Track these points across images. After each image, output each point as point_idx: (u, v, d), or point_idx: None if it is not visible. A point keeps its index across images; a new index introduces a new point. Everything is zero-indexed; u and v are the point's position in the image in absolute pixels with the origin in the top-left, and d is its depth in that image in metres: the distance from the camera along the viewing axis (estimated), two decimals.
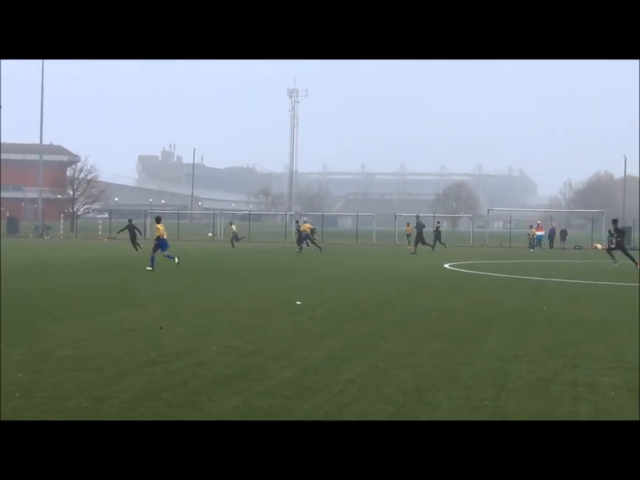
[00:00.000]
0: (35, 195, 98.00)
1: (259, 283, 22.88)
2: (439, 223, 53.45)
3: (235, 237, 54.48)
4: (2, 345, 10.81)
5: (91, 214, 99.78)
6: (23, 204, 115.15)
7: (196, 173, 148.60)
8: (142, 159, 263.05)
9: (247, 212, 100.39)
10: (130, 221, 41.88)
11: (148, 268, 26.15)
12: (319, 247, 44.17)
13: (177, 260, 27.28)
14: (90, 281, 22.49)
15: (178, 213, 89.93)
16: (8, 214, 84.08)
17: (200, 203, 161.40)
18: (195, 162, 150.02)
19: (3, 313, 14.15)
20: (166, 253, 27.45)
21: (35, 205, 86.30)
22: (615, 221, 33.30)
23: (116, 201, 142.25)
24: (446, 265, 32.32)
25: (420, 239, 45.98)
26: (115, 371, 9.22)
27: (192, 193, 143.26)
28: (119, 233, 45.90)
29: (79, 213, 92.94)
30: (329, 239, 65.83)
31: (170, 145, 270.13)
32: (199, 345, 11.13)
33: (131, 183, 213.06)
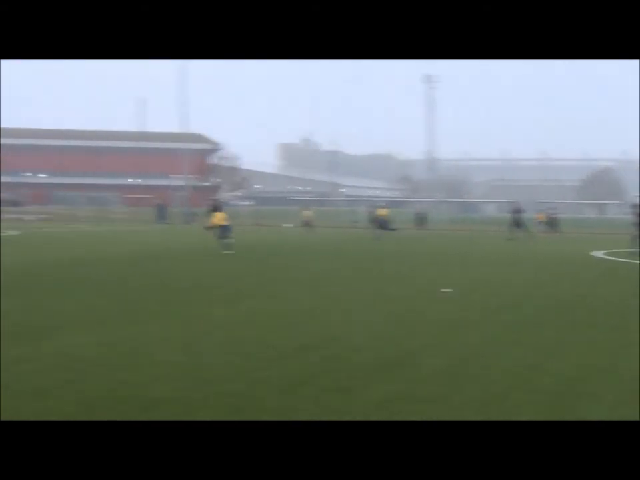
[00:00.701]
0: (180, 183, 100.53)
1: (406, 269, 22.75)
2: (554, 209, 52.27)
3: (307, 223, 52.68)
4: (159, 327, 11.14)
5: (236, 201, 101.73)
6: (170, 191, 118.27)
7: (335, 160, 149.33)
8: (282, 146, 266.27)
9: (389, 199, 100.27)
10: (160, 204, 43.98)
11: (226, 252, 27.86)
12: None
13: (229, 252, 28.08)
14: (239, 266, 22.95)
15: (320, 200, 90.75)
16: (157, 201, 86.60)
17: (342, 190, 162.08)
18: (334, 149, 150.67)
19: (154, 295, 14.61)
20: (229, 240, 29.00)
21: (182, 193, 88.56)
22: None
23: (259, 188, 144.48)
24: (593, 253, 31.42)
25: (515, 224, 45.17)
26: (270, 355, 9.36)
27: (332, 180, 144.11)
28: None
29: (222, 200, 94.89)
30: (472, 226, 65.07)
31: (309, 133, 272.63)
32: (351, 331, 11.17)
33: (272, 170, 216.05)
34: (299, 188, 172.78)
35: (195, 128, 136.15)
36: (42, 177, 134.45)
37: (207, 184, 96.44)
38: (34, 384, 7.80)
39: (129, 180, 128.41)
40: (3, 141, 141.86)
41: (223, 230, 29.32)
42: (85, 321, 11.77)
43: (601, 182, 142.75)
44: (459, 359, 9.25)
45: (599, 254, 31.03)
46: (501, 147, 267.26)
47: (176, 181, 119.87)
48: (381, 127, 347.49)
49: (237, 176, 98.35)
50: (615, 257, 29.42)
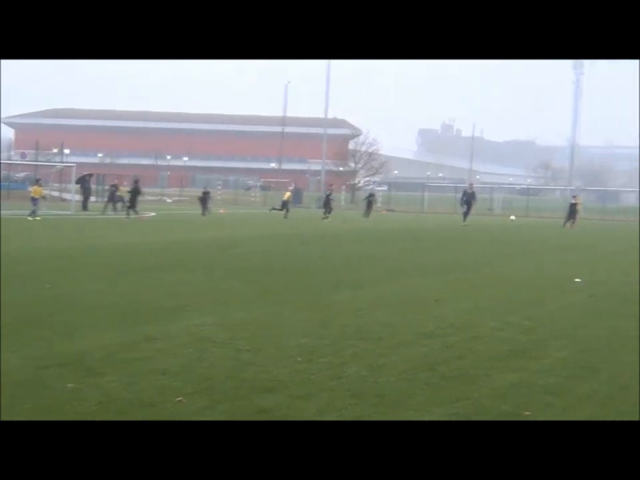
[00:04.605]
0: (318, 167, 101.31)
1: (534, 257, 22.39)
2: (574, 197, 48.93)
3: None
4: (288, 309, 11.31)
5: (371, 186, 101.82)
6: (307, 176, 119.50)
7: (475, 146, 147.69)
8: (422, 132, 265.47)
9: (525, 186, 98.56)
10: (205, 193, 50.21)
11: (29, 218, 34.67)
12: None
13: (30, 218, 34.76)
14: (366, 251, 23.00)
15: (455, 187, 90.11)
16: (292, 185, 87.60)
17: (478, 177, 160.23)
18: (475, 135, 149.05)
19: (286, 278, 14.84)
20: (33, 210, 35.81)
21: (318, 177, 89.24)
22: None
23: (395, 174, 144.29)
24: None
25: None
26: (393, 341, 9.37)
27: (470, 167, 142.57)
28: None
29: (359, 185, 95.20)
30: (610, 215, 63.30)
31: (449, 119, 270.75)
32: (475, 319, 11.09)
33: (409, 155, 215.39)
34: (440, 174, 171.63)
35: (336, 113, 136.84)
36: (184, 160, 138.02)
37: (344, 169, 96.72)
38: (159, 363, 8.06)
39: (271, 164, 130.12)
40: (148, 124, 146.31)
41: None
42: (214, 301, 12.05)
43: None
44: (586, 351, 9.06)
45: None
46: None
47: (314, 166, 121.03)
48: (524, 112, 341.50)
49: (375, 161, 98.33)
50: None
